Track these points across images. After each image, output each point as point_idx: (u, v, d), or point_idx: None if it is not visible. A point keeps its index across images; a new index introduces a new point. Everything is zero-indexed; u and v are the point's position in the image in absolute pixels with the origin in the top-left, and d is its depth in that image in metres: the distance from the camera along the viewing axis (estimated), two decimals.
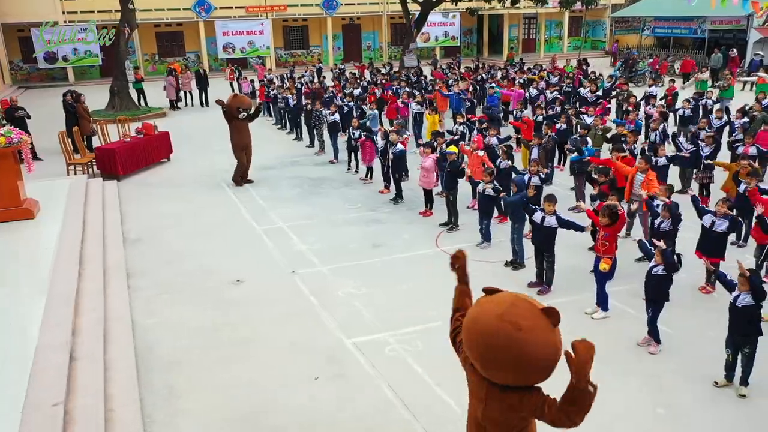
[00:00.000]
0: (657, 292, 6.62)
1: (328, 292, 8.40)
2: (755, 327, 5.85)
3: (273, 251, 9.88)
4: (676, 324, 7.23)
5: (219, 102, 13.41)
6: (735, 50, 26.70)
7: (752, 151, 11.19)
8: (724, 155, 11.98)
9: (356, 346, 7.00)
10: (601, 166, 9.54)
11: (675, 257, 6.63)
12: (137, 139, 14.77)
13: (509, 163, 10.26)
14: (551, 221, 7.75)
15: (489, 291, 3.44)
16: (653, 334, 6.81)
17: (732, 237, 9.46)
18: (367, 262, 9.41)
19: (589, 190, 10.11)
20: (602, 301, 7.49)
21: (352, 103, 16.64)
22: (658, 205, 8.01)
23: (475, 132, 12.65)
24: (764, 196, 8.31)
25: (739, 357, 5.99)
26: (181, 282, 8.86)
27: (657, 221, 7.84)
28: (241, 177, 13.51)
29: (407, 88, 19.27)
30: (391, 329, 7.33)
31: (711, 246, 7.86)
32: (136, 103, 23.38)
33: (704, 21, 29.94)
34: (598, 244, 7.34)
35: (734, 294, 5.91)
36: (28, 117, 15.84)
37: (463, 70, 25.85)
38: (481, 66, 25.81)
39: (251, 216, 11.57)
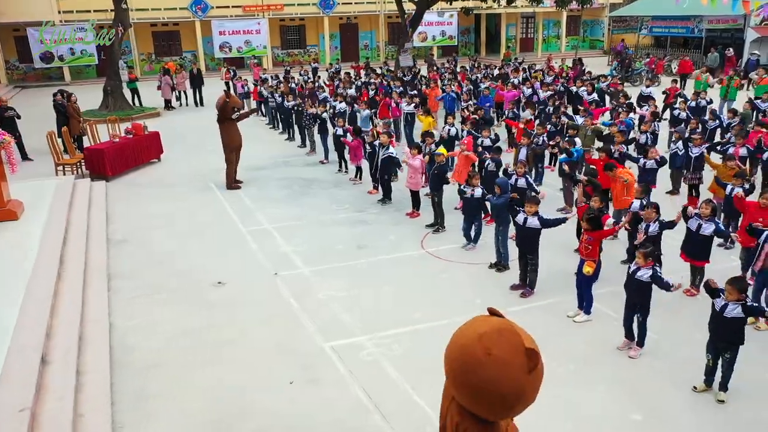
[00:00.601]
0: (639, 296, 6.51)
1: (309, 294, 8.33)
2: (740, 335, 5.76)
3: (257, 253, 9.80)
4: (658, 327, 7.13)
5: (227, 94, 13.31)
6: (731, 49, 26.59)
7: (742, 152, 11.11)
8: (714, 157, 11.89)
9: (333, 350, 6.93)
10: (589, 167, 9.45)
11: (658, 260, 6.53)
12: (126, 139, 14.70)
13: (495, 166, 10.18)
14: (533, 222, 7.67)
15: (492, 312, 3.33)
16: (641, 337, 6.69)
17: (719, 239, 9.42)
18: (351, 263, 9.33)
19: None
20: (586, 305, 7.41)
21: (342, 104, 16.55)
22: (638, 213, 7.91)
23: (465, 132, 12.56)
24: (748, 200, 8.22)
25: (720, 362, 5.91)
26: (163, 284, 8.79)
27: (642, 225, 7.71)
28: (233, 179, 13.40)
29: (401, 88, 19.20)
30: (370, 332, 7.25)
31: (696, 249, 7.78)
32: (130, 102, 23.32)
33: (701, 20, 29.82)
34: (581, 247, 7.25)
35: (721, 303, 5.76)
36: (18, 117, 15.78)
37: (459, 70, 25.80)
38: (476, 66, 25.72)
39: (238, 217, 11.50)
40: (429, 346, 6.86)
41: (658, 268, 6.34)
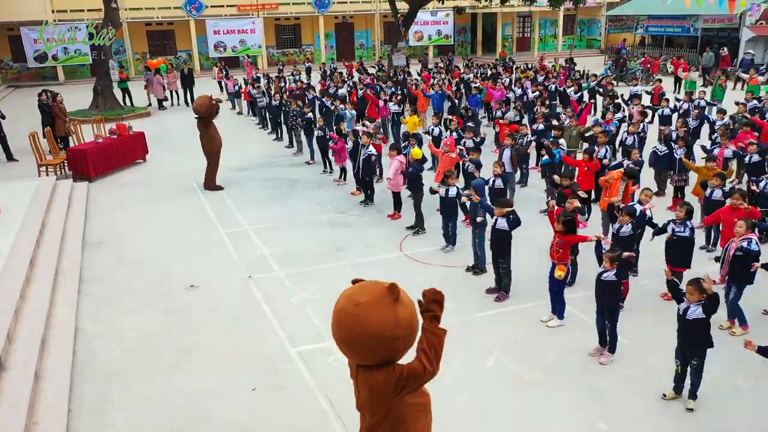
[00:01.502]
0: (607, 299, 6.39)
1: (281, 298, 8.21)
2: (704, 339, 5.64)
3: (233, 255, 9.68)
4: (632, 333, 7.02)
5: (218, 100, 13.20)
6: (725, 49, 26.41)
7: (727, 153, 10.96)
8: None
9: (300, 355, 6.81)
10: (565, 170, 9.31)
11: (627, 264, 6.39)
12: (110, 139, 14.59)
13: (474, 167, 10.05)
14: (502, 224, 7.54)
15: (355, 281, 3.66)
16: (611, 343, 6.57)
17: (702, 242, 9.29)
18: (328, 266, 9.20)
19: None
20: (559, 309, 7.28)
21: (329, 102, 16.44)
22: (620, 210, 7.77)
23: (449, 133, 12.43)
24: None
25: (689, 369, 5.78)
26: (136, 287, 8.68)
27: (616, 226, 7.60)
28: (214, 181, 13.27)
29: (392, 88, 19.07)
30: None
31: (674, 254, 7.61)
32: (121, 102, 23.20)
33: (697, 19, 29.62)
34: (552, 251, 7.12)
35: (683, 306, 5.69)
36: (3, 117, 15.66)
37: (453, 69, 25.68)
38: (468, 65, 25.58)
39: (218, 219, 11.38)
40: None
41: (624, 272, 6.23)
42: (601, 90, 18.24)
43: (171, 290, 8.53)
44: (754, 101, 15.41)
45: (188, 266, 9.28)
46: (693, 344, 5.66)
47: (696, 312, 5.53)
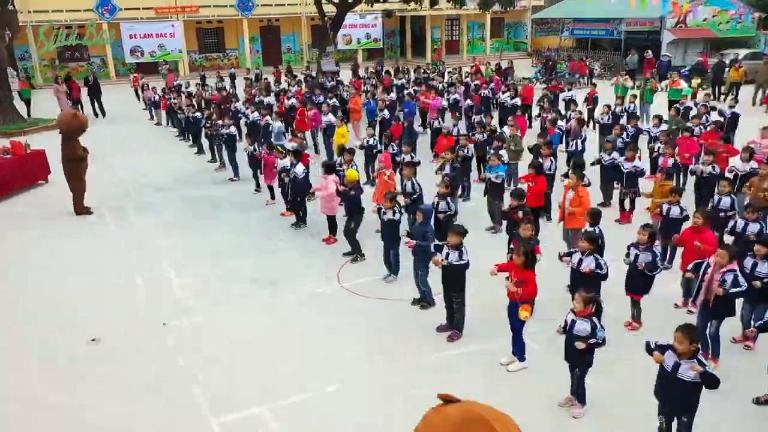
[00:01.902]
0: (576, 358, 5.59)
1: (200, 349, 7.04)
2: (697, 399, 4.90)
3: (144, 297, 8.38)
4: (604, 377, 6.29)
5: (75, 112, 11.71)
6: (650, 52, 26.86)
7: (670, 162, 10.57)
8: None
9: (224, 429, 5.70)
10: (513, 189, 8.57)
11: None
12: (3, 160, 12.83)
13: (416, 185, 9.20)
14: (454, 257, 6.64)
15: (444, 399, 2.48)
16: (579, 395, 5.80)
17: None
18: (253, 305, 8.08)
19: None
20: (519, 350, 6.48)
21: (256, 113, 15.22)
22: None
23: (383, 148, 11.51)
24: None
25: (674, 424, 5.06)
26: (23, 341, 7.29)
27: (575, 259, 6.86)
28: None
29: (321, 96, 17.93)
30: (272, 400, 6.04)
31: (635, 281, 6.99)
32: (23, 115, 21.00)
33: (620, 23, 30.12)
34: (511, 292, 6.21)
35: (672, 360, 4.83)
36: None
37: (384, 75, 24.87)
38: (401, 70, 24.85)
39: (127, 250, 10.00)
40: (346, 414, 5.75)
41: (597, 322, 5.43)
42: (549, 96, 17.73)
43: (68, 345, 7.17)
44: (688, 103, 15.44)
45: (90, 313, 7.92)
46: (683, 405, 4.92)
47: (689, 374, 4.75)
